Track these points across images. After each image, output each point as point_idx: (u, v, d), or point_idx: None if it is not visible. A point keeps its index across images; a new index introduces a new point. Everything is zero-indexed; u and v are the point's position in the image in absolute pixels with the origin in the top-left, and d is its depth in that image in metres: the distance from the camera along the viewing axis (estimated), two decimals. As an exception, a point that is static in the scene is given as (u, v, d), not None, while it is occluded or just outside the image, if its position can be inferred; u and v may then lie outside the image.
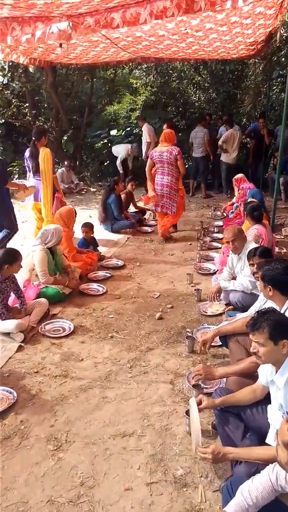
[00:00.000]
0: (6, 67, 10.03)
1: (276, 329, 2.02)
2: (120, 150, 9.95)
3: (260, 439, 2.17)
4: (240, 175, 6.79)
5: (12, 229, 5.47)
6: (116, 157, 10.05)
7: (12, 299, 4.04)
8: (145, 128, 9.19)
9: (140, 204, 8.07)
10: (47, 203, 5.59)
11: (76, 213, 5.40)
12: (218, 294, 4.07)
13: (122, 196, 7.19)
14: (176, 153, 5.96)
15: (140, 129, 9.74)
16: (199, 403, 2.41)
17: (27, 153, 5.80)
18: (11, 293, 3.96)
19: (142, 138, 9.50)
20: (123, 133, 11.72)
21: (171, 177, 6.07)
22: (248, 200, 5.35)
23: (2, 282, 3.76)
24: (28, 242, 5.65)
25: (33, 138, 5.72)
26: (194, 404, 2.38)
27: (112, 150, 10.31)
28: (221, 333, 3.15)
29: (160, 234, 6.51)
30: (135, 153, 9.82)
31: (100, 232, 6.76)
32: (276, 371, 2.08)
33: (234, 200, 7.09)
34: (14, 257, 3.79)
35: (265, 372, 2.22)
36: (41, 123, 11.49)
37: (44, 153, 5.56)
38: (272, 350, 2.02)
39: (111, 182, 7.25)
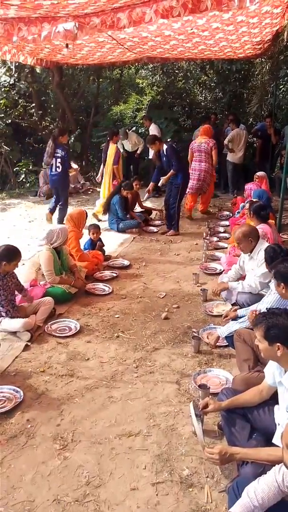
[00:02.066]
0: (13, 67, 10.07)
1: (271, 331, 2.08)
2: (134, 138, 9.64)
3: (267, 440, 2.16)
4: (263, 173, 6.81)
5: (67, 203, 7.10)
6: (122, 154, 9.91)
7: (18, 298, 4.06)
8: (153, 128, 9.10)
9: (147, 204, 8.07)
10: (104, 188, 7.65)
11: (87, 215, 5.45)
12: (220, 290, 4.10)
13: (128, 196, 7.18)
14: (212, 145, 7.10)
15: (146, 129, 9.67)
16: (205, 406, 2.41)
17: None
18: (15, 290, 3.96)
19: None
20: (129, 133, 11.71)
21: (207, 163, 7.18)
22: (254, 200, 5.32)
23: (2, 278, 3.77)
24: (34, 242, 5.67)
25: (108, 137, 7.83)
26: (192, 409, 2.38)
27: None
28: (232, 406, 2.38)
29: (201, 211, 7.87)
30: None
31: (107, 235, 6.77)
32: (285, 372, 2.08)
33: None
34: (13, 254, 3.76)
35: (272, 372, 2.21)
36: (47, 123, 11.53)
37: (111, 149, 7.51)
38: (267, 349, 2.11)
39: (117, 183, 7.28)
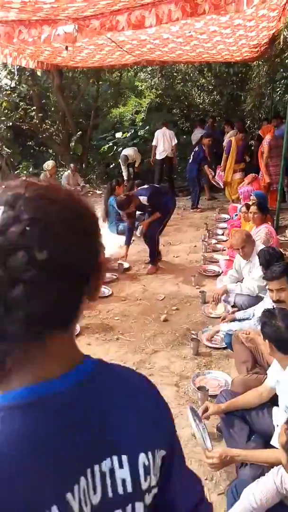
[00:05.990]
0: (14, 71, 10.11)
1: None
2: (133, 154, 9.78)
3: (265, 442, 2.17)
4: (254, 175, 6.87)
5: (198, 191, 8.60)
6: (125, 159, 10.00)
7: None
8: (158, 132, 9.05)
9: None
10: (227, 178, 8.40)
11: None
12: (221, 296, 4.08)
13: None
14: None
15: (144, 131, 9.70)
16: (205, 409, 2.40)
17: None
18: None
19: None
20: (129, 135, 11.75)
21: None
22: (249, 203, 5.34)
23: None
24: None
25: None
26: (190, 414, 2.36)
27: (124, 153, 10.23)
28: (232, 408, 2.39)
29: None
30: (123, 161, 9.79)
31: (106, 238, 6.78)
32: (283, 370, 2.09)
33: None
34: None
35: (274, 373, 2.21)
36: (48, 126, 11.56)
37: (232, 143, 8.27)
38: None
39: (108, 184, 7.27)
